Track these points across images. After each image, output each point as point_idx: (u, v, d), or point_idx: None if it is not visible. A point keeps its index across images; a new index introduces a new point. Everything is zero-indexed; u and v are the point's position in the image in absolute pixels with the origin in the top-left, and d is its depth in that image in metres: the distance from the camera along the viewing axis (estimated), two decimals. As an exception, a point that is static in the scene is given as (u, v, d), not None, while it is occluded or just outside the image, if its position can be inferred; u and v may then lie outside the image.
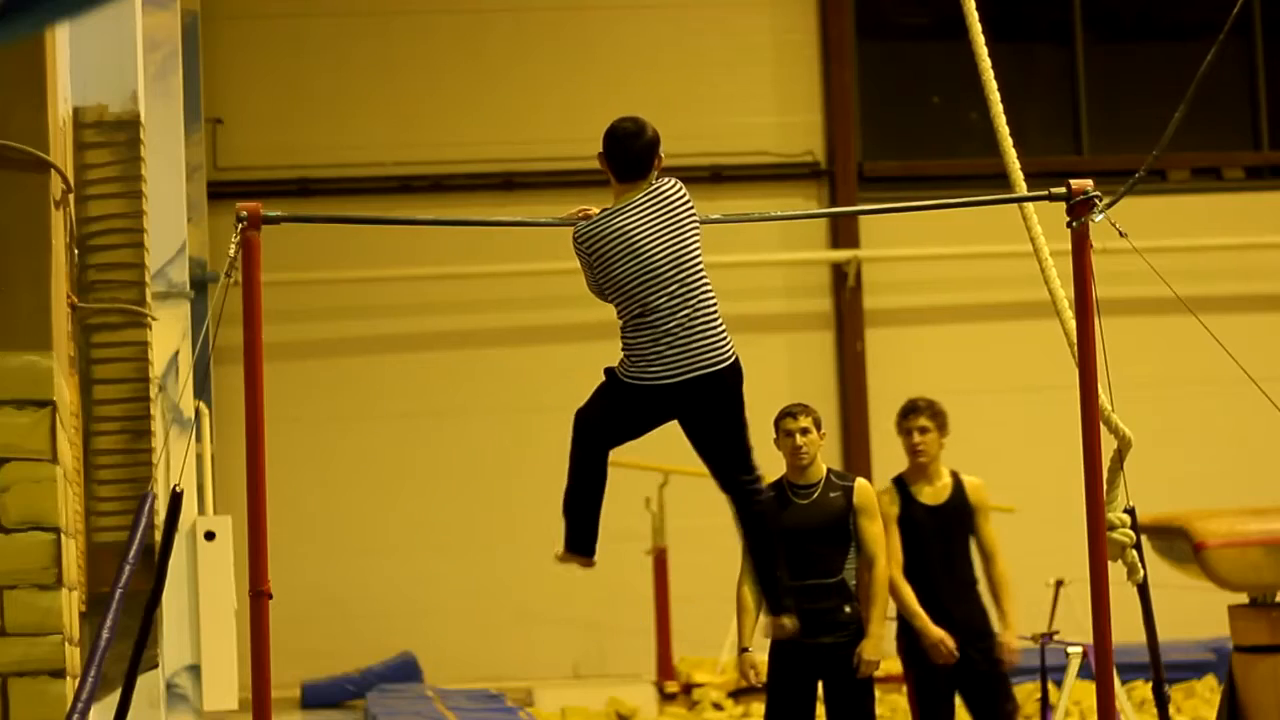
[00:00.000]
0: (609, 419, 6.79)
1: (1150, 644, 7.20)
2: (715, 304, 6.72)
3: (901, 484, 8.77)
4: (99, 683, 6.28)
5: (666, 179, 6.71)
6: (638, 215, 6.60)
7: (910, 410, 8.74)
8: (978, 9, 7.84)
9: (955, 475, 8.77)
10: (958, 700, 8.85)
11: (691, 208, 6.72)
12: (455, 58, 17.45)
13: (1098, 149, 18.02)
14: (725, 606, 14.53)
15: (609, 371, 6.75)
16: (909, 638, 8.71)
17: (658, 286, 6.58)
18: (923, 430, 8.69)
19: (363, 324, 17.33)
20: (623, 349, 6.69)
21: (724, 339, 6.71)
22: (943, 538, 8.65)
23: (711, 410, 6.70)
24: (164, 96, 10.69)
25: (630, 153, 6.66)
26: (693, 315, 6.62)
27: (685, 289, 6.61)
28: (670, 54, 17.58)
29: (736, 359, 6.76)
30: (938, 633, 8.63)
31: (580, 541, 7.02)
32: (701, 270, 6.68)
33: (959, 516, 8.66)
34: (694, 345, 6.62)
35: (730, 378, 6.72)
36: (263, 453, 6.26)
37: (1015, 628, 8.63)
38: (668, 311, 6.59)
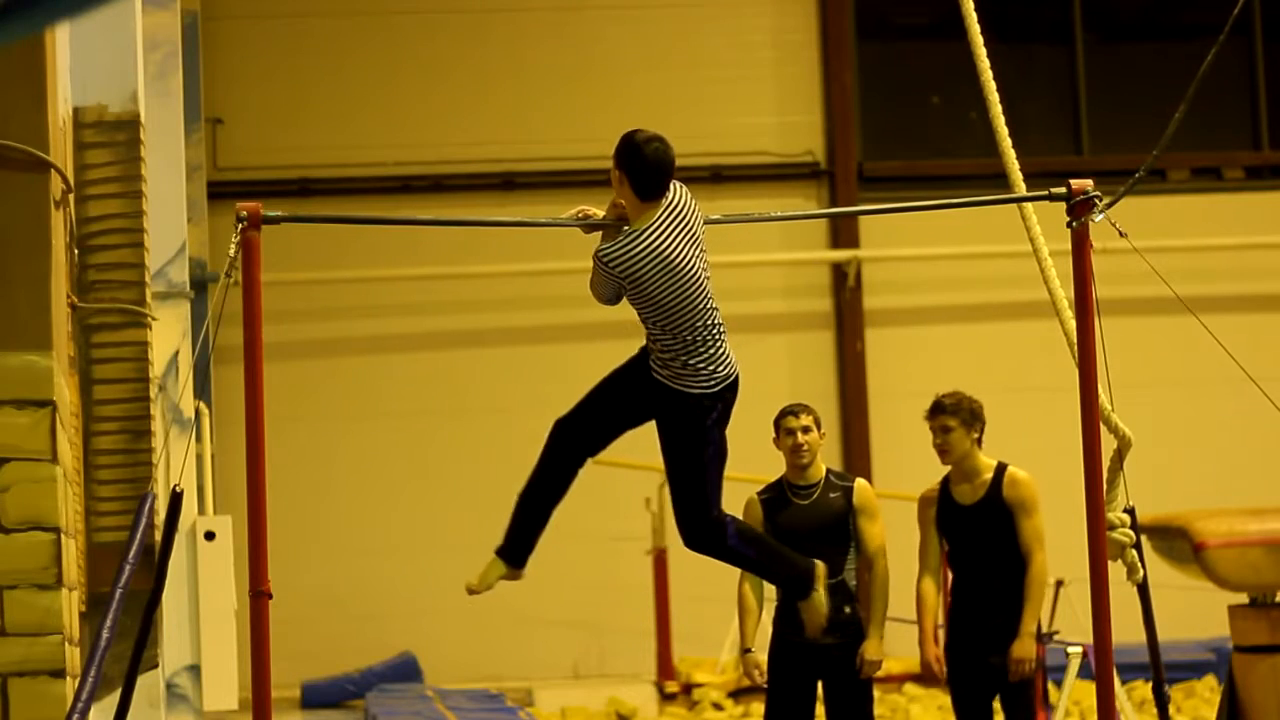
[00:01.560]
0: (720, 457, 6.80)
1: (1150, 644, 7.19)
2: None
3: (944, 484, 8.38)
4: (99, 683, 6.28)
5: (683, 194, 6.68)
6: (667, 234, 6.57)
7: (932, 409, 8.32)
8: (977, 9, 7.84)
9: (998, 472, 8.27)
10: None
11: (698, 210, 6.72)
12: (455, 58, 17.46)
13: (1098, 149, 18.02)
14: (725, 606, 14.55)
15: (680, 396, 6.69)
16: (949, 639, 8.41)
17: (701, 300, 6.61)
18: (945, 429, 8.26)
19: (363, 324, 17.33)
20: (680, 364, 6.64)
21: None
22: (975, 540, 8.22)
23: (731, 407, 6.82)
24: (164, 96, 10.68)
25: (660, 172, 6.60)
26: (716, 314, 6.72)
27: (708, 283, 6.69)
28: (670, 54, 17.58)
29: None
30: (929, 653, 8.41)
31: (518, 551, 6.92)
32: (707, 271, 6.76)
33: (994, 517, 8.19)
34: (726, 342, 6.72)
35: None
36: (263, 453, 6.25)
37: (1026, 638, 8.11)
38: (712, 315, 6.67)
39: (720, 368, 6.67)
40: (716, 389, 6.68)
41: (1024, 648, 8.12)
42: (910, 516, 17.21)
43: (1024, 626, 8.12)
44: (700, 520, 6.80)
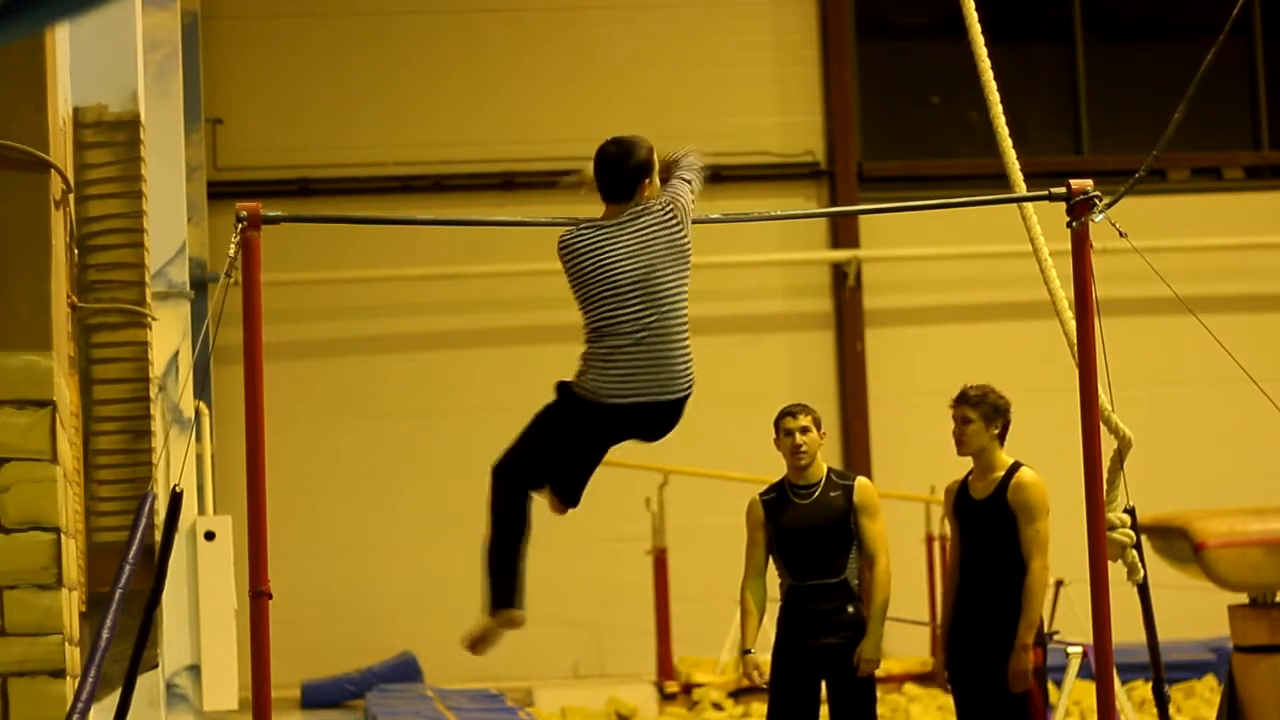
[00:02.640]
0: (543, 445, 6.69)
1: (1150, 644, 7.18)
2: (684, 333, 6.57)
3: (965, 477, 8.26)
4: (99, 683, 6.28)
5: (658, 201, 6.61)
6: (612, 234, 6.54)
7: (957, 397, 8.17)
8: (978, 9, 7.85)
9: (1010, 471, 8.13)
10: None
11: (677, 233, 6.55)
12: (455, 58, 17.46)
13: (1098, 149, 18.03)
14: (725, 606, 14.57)
15: (561, 386, 6.66)
16: (951, 637, 8.32)
17: (619, 308, 6.48)
18: (964, 420, 8.11)
19: (363, 324, 17.34)
20: (581, 361, 6.59)
21: (684, 371, 6.57)
22: (980, 536, 8.10)
23: (641, 435, 6.66)
24: (164, 96, 10.69)
25: (614, 176, 6.60)
26: (654, 341, 6.51)
27: (652, 313, 6.50)
28: (670, 54, 17.59)
29: (681, 401, 6.58)
30: (937, 652, 8.38)
31: (507, 596, 6.81)
32: (674, 296, 6.53)
33: (998, 516, 8.06)
34: (649, 370, 6.51)
35: (676, 412, 6.61)
36: (263, 453, 6.25)
37: (1020, 651, 7.94)
38: (627, 333, 6.48)
39: (601, 385, 6.46)
40: (578, 394, 6.54)
41: (1019, 660, 7.98)
42: (910, 516, 17.27)
43: (1019, 639, 7.98)
44: (498, 461, 6.84)
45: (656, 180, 6.67)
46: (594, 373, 6.51)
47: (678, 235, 6.56)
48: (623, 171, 6.58)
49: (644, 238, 6.53)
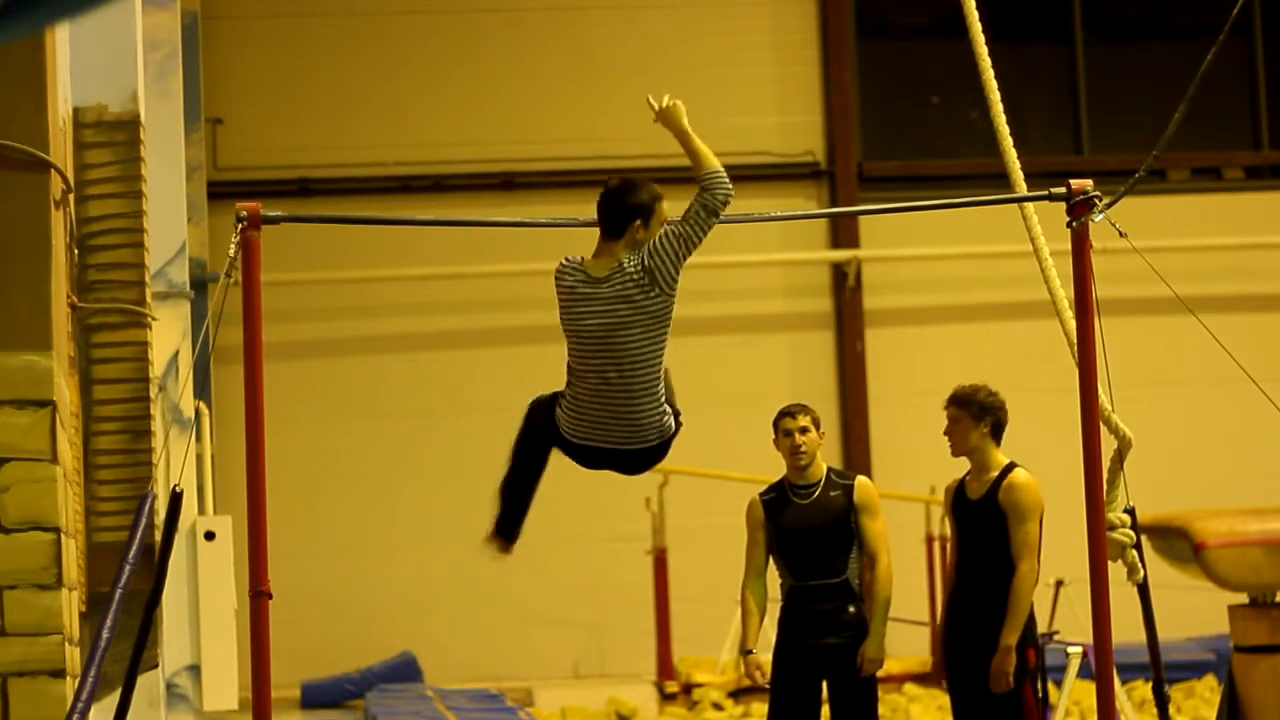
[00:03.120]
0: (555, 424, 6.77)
1: (1150, 644, 7.19)
2: (650, 390, 6.54)
3: (964, 477, 8.25)
4: (99, 683, 6.28)
5: (640, 262, 6.54)
6: (589, 288, 6.56)
7: (949, 397, 8.20)
8: (978, 9, 7.85)
9: (1004, 472, 8.11)
10: None
11: (648, 297, 6.50)
12: (455, 58, 17.46)
13: (1098, 149, 18.03)
14: (725, 606, 14.58)
15: (554, 397, 6.73)
16: (946, 636, 8.32)
17: (583, 357, 6.55)
18: (953, 420, 8.15)
19: (362, 324, 17.33)
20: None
21: (648, 425, 6.57)
22: (974, 536, 8.10)
23: (613, 469, 6.69)
24: (164, 96, 10.69)
25: (605, 208, 6.62)
26: (614, 394, 6.54)
27: (613, 370, 6.52)
28: (670, 54, 17.58)
29: (652, 448, 6.60)
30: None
31: (507, 526, 6.92)
32: (638, 356, 6.51)
33: (990, 516, 8.04)
34: (606, 422, 6.55)
35: (645, 457, 6.64)
36: (263, 453, 6.26)
37: (1003, 652, 7.93)
38: (588, 383, 6.55)
39: (564, 419, 6.58)
40: (554, 415, 6.63)
41: (1001, 661, 7.97)
42: (910, 516, 17.26)
43: (1002, 640, 7.98)
44: (539, 400, 6.80)
45: (654, 230, 6.61)
46: (561, 408, 6.60)
47: (648, 300, 6.52)
48: (615, 205, 6.56)
49: (613, 300, 6.52)
